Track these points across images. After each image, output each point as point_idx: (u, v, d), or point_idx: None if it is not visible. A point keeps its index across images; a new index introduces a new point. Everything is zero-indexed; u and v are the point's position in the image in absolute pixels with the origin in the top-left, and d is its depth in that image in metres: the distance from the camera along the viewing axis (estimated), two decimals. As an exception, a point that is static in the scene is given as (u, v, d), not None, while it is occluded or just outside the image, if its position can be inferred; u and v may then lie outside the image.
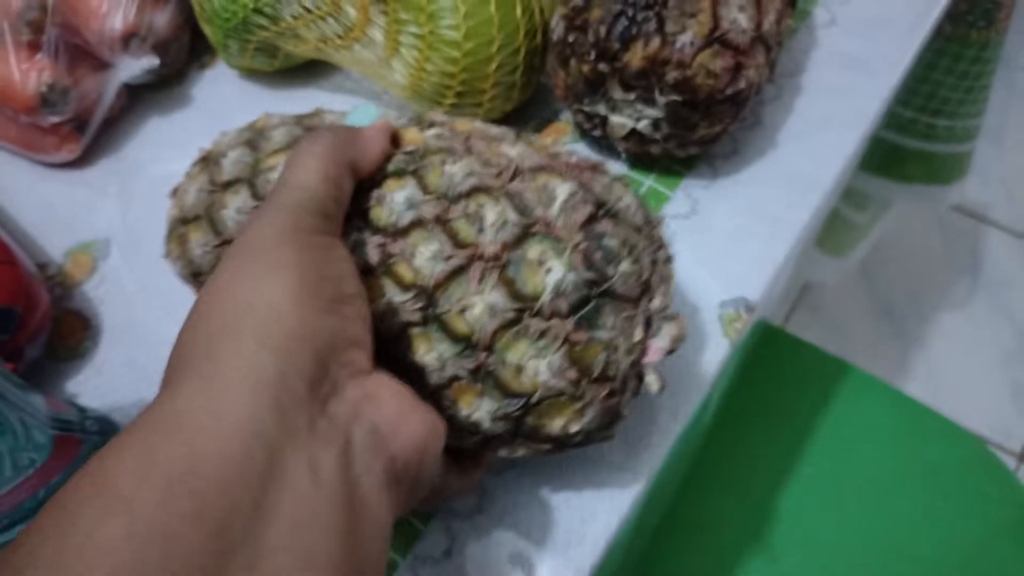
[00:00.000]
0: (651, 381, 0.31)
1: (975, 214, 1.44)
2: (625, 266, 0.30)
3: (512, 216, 0.29)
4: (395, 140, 0.34)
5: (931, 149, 0.85)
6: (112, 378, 0.44)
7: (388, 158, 0.32)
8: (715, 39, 0.40)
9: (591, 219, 0.30)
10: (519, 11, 0.44)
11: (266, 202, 0.28)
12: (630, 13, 0.41)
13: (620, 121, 0.44)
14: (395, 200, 0.31)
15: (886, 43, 0.53)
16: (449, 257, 0.29)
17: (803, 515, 0.66)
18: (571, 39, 0.43)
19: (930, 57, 0.74)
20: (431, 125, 0.35)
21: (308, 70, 0.56)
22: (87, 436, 0.41)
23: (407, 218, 0.30)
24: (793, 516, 0.66)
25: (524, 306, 0.28)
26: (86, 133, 0.51)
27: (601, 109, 0.45)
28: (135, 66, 0.51)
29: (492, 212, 0.29)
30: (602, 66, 0.42)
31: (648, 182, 0.48)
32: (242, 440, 0.21)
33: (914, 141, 0.85)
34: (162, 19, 0.52)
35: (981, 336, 1.32)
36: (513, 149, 0.32)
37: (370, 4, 0.45)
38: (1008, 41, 0.78)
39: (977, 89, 0.79)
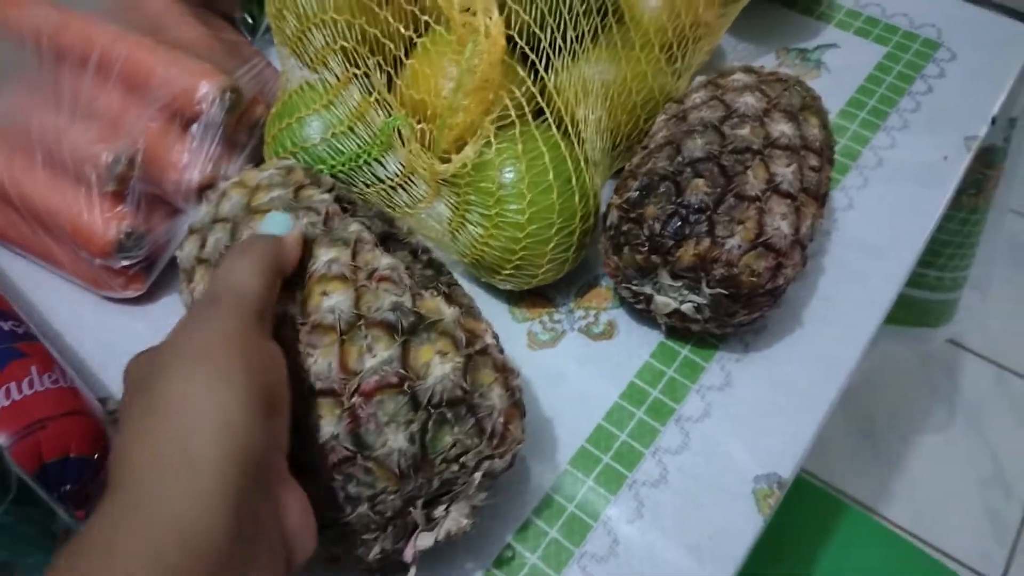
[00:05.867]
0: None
1: (953, 342, 1.50)
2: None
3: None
4: (306, 246, 0.38)
5: (921, 296, 0.91)
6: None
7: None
8: (760, 243, 0.44)
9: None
10: (577, 198, 0.48)
11: (207, 303, 0.31)
12: (683, 214, 0.45)
13: (665, 301, 0.48)
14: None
15: (900, 228, 0.58)
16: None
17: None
18: (625, 228, 0.47)
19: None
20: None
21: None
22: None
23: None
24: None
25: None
26: (152, 273, 0.54)
27: (647, 289, 0.49)
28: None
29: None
30: (655, 257, 0.46)
31: (684, 352, 0.51)
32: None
33: (905, 288, 0.90)
34: (233, 170, 0.55)
35: (959, 461, 1.37)
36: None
37: (441, 184, 0.49)
38: (996, 200, 0.84)
39: (967, 245, 0.86)
